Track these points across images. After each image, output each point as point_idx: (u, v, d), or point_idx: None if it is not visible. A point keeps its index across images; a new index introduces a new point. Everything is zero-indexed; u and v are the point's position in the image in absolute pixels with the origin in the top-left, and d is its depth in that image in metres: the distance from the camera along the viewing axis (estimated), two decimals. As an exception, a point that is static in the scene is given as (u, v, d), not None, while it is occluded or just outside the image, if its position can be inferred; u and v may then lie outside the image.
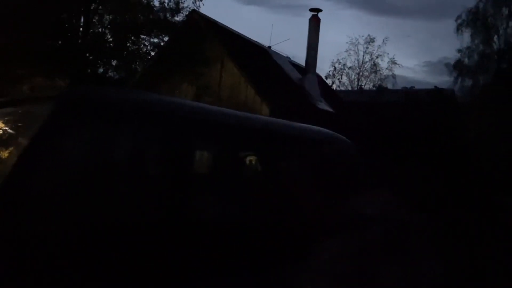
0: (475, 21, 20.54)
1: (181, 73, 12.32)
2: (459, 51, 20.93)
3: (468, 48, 20.73)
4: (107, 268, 1.97)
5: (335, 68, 32.76)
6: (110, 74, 12.60)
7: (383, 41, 42.75)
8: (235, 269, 2.44)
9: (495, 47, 20.55)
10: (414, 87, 21.95)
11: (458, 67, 20.92)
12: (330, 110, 18.07)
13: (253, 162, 3.33)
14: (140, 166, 2.38)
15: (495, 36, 20.50)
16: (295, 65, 20.14)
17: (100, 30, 12.08)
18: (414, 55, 60.68)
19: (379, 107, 19.58)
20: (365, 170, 4.35)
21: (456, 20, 21.04)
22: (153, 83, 12.34)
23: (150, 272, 2.09)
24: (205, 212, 2.39)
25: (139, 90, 3.12)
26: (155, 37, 12.04)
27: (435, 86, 21.12)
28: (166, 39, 12.50)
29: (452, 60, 21.84)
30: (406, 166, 13.39)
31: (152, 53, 12.54)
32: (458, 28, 20.91)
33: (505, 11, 20.23)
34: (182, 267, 2.21)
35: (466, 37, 20.81)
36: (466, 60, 20.84)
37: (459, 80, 20.71)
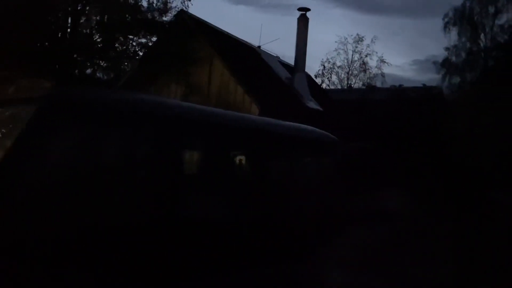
0: (462, 19, 20.74)
1: (169, 73, 12.30)
2: (447, 49, 21.14)
3: (455, 46, 20.94)
4: (98, 266, 1.99)
5: (324, 67, 32.91)
6: (98, 75, 12.57)
7: (372, 40, 42.95)
8: (228, 266, 2.47)
9: (481, 45, 20.78)
10: (403, 85, 22.08)
11: (445, 65, 21.11)
12: (319, 108, 18.15)
13: (239, 160, 3.36)
14: (123, 165, 2.40)
15: (482, 34, 20.73)
16: (285, 65, 20.18)
17: (87, 31, 12.03)
18: (402, 53, 61.06)
19: (368, 106, 19.70)
20: (349, 167, 4.40)
21: (443, 19, 21.25)
22: (142, 84, 12.31)
23: (136, 271, 2.11)
24: (185, 210, 2.41)
25: (123, 91, 3.13)
26: (142, 37, 12.01)
27: (423, 84, 21.29)
28: (154, 39, 12.48)
29: (440, 58, 22.08)
30: (395, 163, 13.49)
31: (141, 54, 12.51)
32: (446, 26, 21.12)
33: (491, 9, 20.47)
34: (169, 267, 2.23)
35: (453, 35, 21.04)
36: (453, 58, 21.05)
37: (447, 77, 20.92)
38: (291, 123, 3.88)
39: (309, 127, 4.07)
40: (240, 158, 3.08)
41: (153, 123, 2.51)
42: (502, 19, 20.23)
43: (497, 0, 20.33)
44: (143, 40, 12.19)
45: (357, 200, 3.90)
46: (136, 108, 2.49)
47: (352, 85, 32.10)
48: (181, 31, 12.80)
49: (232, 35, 17.99)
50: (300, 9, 18.66)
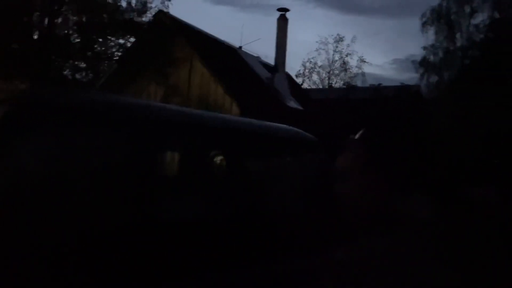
0: (438, 19, 21.04)
1: (148, 74, 12.25)
2: (425, 48, 21.42)
3: (432, 45, 21.21)
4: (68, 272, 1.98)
5: (305, 67, 33.13)
6: (77, 76, 12.42)
7: (352, 40, 43.50)
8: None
9: (458, 44, 21.12)
10: (381, 84, 22.36)
11: (423, 64, 21.40)
12: (300, 108, 18.26)
13: (214, 160, 3.38)
14: (94, 168, 2.39)
15: (458, 34, 21.06)
16: (265, 65, 20.26)
17: (65, 31, 11.89)
18: (383, 52, 61.75)
19: (348, 104, 19.88)
20: (328, 166, 4.44)
21: (421, 18, 21.53)
22: (121, 85, 12.23)
23: (112, 275, 2.12)
24: (157, 213, 2.42)
25: (96, 92, 3.13)
26: (120, 38, 11.92)
27: (401, 83, 21.58)
28: (132, 40, 12.40)
29: (419, 57, 22.33)
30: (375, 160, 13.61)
31: (119, 54, 12.42)
32: (423, 26, 21.37)
33: (467, 9, 20.81)
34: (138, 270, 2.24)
35: (431, 34, 21.29)
36: (431, 57, 21.34)
37: (425, 76, 21.21)
38: (267, 122, 3.90)
39: (286, 126, 4.10)
40: (212, 159, 3.10)
41: (125, 124, 2.50)
42: (478, 19, 20.60)
43: (473, 0, 20.70)
44: (121, 41, 12.11)
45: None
46: (107, 110, 2.49)
47: (333, 85, 32.38)
48: (160, 32, 12.75)
49: (212, 35, 17.99)
50: (279, 9, 18.78)
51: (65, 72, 12.05)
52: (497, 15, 19.29)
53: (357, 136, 1.61)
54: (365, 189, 1.41)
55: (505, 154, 14.66)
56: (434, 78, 21.01)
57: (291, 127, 4.14)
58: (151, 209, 2.48)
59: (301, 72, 33.04)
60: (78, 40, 11.90)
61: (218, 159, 3.05)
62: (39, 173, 2.14)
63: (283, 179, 3.75)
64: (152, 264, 2.30)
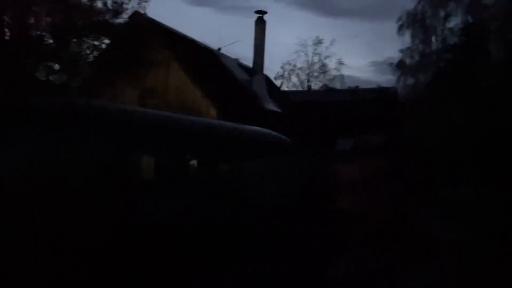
0: (414, 22, 21.40)
1: (124, 77, 12.07)
2: (401, 51, 21.75)
3: (409, 48, 21.56)
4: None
5: (284, 69, 33.22)
6: (50, 78, 12.17)
7: (331, 42, 43.85)
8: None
9: (433, 47, 21.51)
10: (358, 86, 22.63)
11: (400, 67, 21.74)
12: (278, 110, 18.29)
13: (186, 164, 3.32)
14: (61, 172, 2.32)
15: (433, 37, 21.45)
16: (244, 67, 20.23)
17: (38, 32, 11.65)
18: (361, 55, 62.49)
19: (326, 107, 20.04)
20: (303, 168, 4.42)
21: (397, 22, 21.85)
22: (96, 87, 12.01)
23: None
24: (124, 217, 2.36)
25: (65, 96, 3.04)
26: (95, 39, 11.73)
27: (378, 85, 21.86)
28: (107, 41, 12.22)
29: (396, 59, 22.64)
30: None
31: (94, 56, 12.22)
32: (400, 29, 21.71)
33: (441, 12, 21.22)
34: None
35: (407, 37, 21.65)
36: (407, 60, 21.69)
37: (402, 79, 21.54)
38: (242, 125, 3.86)
39: (262, 129, 4.06)
40: (183, 162, 3.04)
41: (93, 128, 2.43)
42: (452, 23, 21.02)
43: (447, 4, 21.10)
44: (96, 43, 11.91)
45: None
46: (78, 113, 2.42)
47: (312, 87, 32.58)
48: (136, 33, 12.58)
49: (190, 37, 17.88)
50: (257, 12, 18.77)
51: (38, 74, 11.79)
52: (470, 19, 19.70)
53: (373, 143, 1.40)
54: (385, 201, 1.23)
55: (480, 154, 14.96)
56: (410, 80, 21.38)
57: (267, 130, 4.11)
58: (122, 213, 2.41)
59: (281, 74, 33.14)
60: (52, 41, 11.67)
61: (190, 162, 3.00)
62: (10, 175, 2.08)
63: (257, 182, 3.71)
64: (124, 270, 2.24)
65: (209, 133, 3.12)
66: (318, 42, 33.14)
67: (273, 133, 3.87)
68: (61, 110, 2.36)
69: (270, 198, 3.68)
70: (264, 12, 18.73)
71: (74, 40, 11.65)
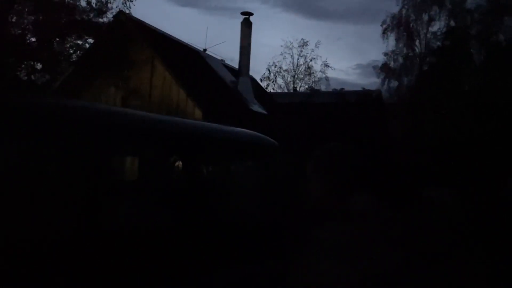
0: (398, 26, 21.66)
1: (107, 77, 11.94)
2: (385, 54, 22.00)
3: (393, 51, 21.84)
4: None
5: (269, 71, 33.29)
6: (32, 77, 11.98)
7: (316, 44, 44.24)
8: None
9: (417, 50, 21.79)
10: (344, 88, 22.78)
11: (384, 70, 21.98)
12: (263, 112, 18.28)
13: (170, 166, 3.28)
14: (37, 173, 2.27)
15: (417, 41, 21.74)
16: (229, 68, 20.17)
17: (20, 31, 11.46)
18: (346, 57, 62.90)
19: (311, 108, 20.11)
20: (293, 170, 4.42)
21: (381, 25, 22.09)
22: (79, 87, 11.86)
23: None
24: (105, 222, 2.32)
25: (43, 95, 2.99)
26: (78, 38, 11.59)
27: (363, 88, 22.04)
28: (91, 41, 12.09)
29: (380, 62, 22.89)
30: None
31: (76, 56, 12.07)
32: (384, 32, 21.97)
33: (425, 17, 21.52)
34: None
35: (391, 41, 21.93)
36: (391, 63, 21.95)
37: (386, 81, 21.79)
38: (226, 127, 3.83)
39: (246, 131, 4.04)
40: (167, 164, 3.00)
41: (71, 129, 2.38)
42: (435, 27, 21.32)
43: (431, 9, 21.39)
44: (79, 42, 11.77)
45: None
46: (56, 113, 2.36)
47: (298, 89, 32.69)
48: (120, 33, 12.45)
49: (175, 37, 17.78)
50: (243, 13, 18.73)
51: (19, 73, 11.59)
52: (453, 24, 19.99)
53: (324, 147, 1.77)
54: (327, 190, 1.69)
55: (460, 157, 15.16)
56: (394, 83, 21.64)
57: (252, 132, 4.09)
58: (100, 216, 2.37)
59: (267, 75, 33.21)
60: (34, 39, 11.51)
61: (174, 164, 2.96)
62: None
63: (242, 184, 3.69)
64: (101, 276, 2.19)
65: (193, 135, 3.09)
66: (304, 44, 33.35)
67: (259, 135, 3.85)
68: (33, 110, 2.30)
69: (254, 199, 3.66)
70: (250, 14, 18.70)
71: (57, 39, 11.49)
